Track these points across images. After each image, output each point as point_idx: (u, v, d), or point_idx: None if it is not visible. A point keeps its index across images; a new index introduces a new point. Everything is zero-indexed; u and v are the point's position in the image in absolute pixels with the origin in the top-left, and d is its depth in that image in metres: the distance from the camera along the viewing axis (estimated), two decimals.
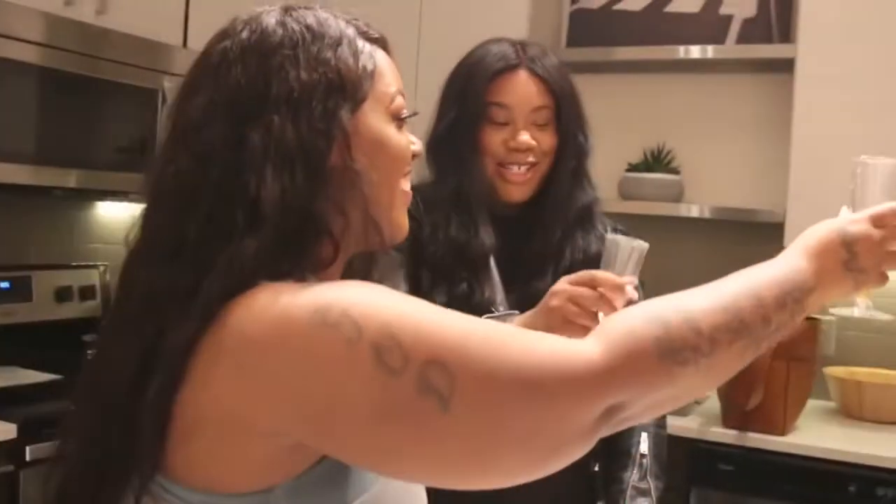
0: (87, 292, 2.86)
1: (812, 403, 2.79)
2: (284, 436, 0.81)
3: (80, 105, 2.46)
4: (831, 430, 2.68)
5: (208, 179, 0.86)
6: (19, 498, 2.06)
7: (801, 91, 2.84)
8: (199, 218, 0.85)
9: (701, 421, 2.66)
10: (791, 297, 0.92)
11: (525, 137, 1.63)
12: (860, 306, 1.21)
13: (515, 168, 1.64)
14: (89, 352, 2.65)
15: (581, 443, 0.81)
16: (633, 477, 1.61)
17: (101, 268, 2.94)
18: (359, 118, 0.91)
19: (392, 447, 0.78)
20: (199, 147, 0.88)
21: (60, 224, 2.96)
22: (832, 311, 1.20)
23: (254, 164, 0.85)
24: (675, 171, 3.23)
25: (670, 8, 3.28)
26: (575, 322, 1.40)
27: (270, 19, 0.92)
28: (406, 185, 0.99)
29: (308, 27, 0.91)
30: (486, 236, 1.62)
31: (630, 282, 1.42)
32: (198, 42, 2.71)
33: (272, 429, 0.81)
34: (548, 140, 1.66)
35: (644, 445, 1.62)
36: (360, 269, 0.98)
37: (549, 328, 1.40)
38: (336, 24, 0.93)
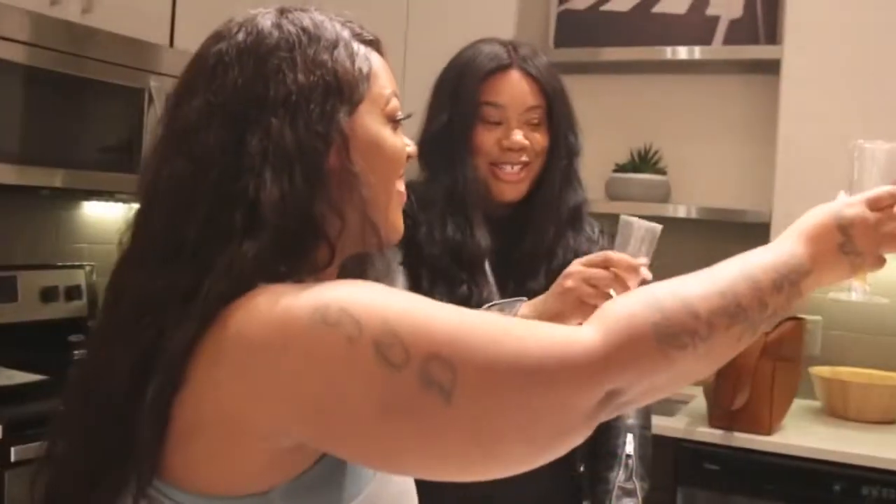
0: (72, 292, 2.85)
1: (798, 403, 2.81)
2: (286, 436, 0.81)
3: (66, 104, 2.45)
4: (816, 430, 2.69)
5: (206, 182, 0.86)
6: (4, 498, 2.05)
7: (786, 92, 2.85)
8: (198, 221, 0.85)
9: (687, 421, 2.67)
10: (787, 280, 0.93)
11: (519, 137, 1.63)
12: (857, 290, 1.21)
13: (509, 168, 1.65)
14: (76, 352, 2.65)
15: (582, 428, 0.83)
16: (619, 477, 1.62)
17: (87, 268, 2.93)
18: (356, 120, 0.92)
19: (396, 442, 0.79)
20: (197, 150, 0.87)
21: (46, 224, 2.95)
22: (830, 295, 1.20)
23: (253, 167, 0.85)
24: (662, 172, 3.24)
25: (657, 9, 3.29)
26: (589, 303, 1.40)
27: (266, 21, 0.92)
28: (401, 185, 1.00)
29: (304, 29, 0.92)
30: (482, 237, 1.63)
31: (644, 263, 1.42)
32: (184, 41, 2.73)
33: (274, 430, 0.81)
34: (540, 140, 1.66)
35: (630, 446, 1.63)
36: (354, 270, 0.98)
37: (563, 310, 1.41)
38: (332, 27, 0.93)
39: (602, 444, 1.67)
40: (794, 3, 2.86)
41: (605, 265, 1.41)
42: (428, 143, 1.67)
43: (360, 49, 0.94)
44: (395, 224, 0.99)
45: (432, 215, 1.63)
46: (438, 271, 1.60)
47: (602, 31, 3.34)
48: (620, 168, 3.24)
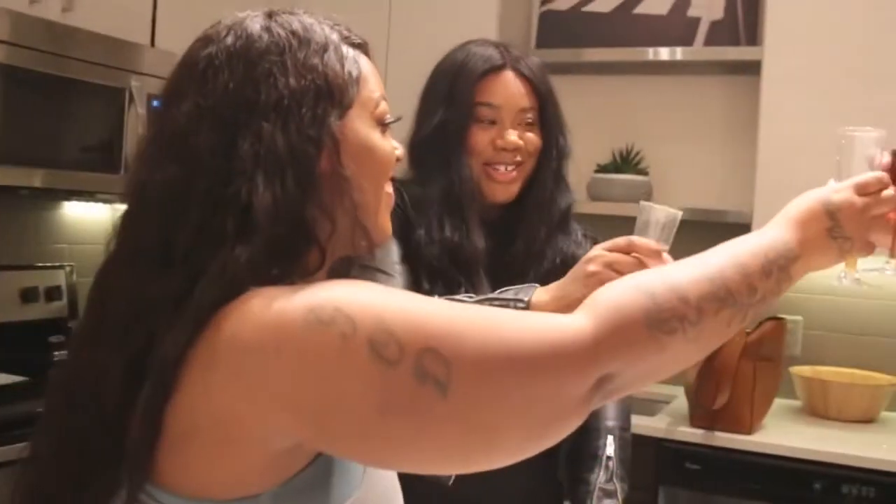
0: (53, 293, 2.83)
1: (778, 402, 2.82)
2: (283, 438, 0.81)
3: (46, 104, 2.43)
4: (797, 429, 2.71)
5: (198, 187, 0.86)
6: None
7: (767, 93, 2.87)
8: (189, 226, 0.85)
9: (669, 421, 2.68)
10: (776, 265, 0.94)
11: (513, 137, 1.64)
12: (848, 276, 1.23)
13: (502, 168, 1.65)
14: (56, 353, 2.63)
15: (576, 413, 0.84)
16: (599, 478, 1.63)
17: (68, 268, 2.91)
18: (346, 124, 0.92)
19: (395, 438, 0.79)
20: (187, 154, 0.87)
21: (26, 224, 2.93)
22: (838, 282, 1.22)
23: (244, 172, 0.85)
24: (644, 172, 3.25)
25: (639, 10, 3.30)
26: None
27: (255, 25, 0.92)
28: (389, 188, 1.00)
29: (294, 33, 0.91)
30: (478, 238, 1.63)
31: (664, 248, 1.43)
32: (166, 41, 2.72)
33: (270, 431, 0.81)
34: (534, 140, 1.67)
35: (610, 448, 1.64)
36: (340, 272, 0.98)
37: (585, 294, 1.40)
38: (321, 30, 0.93)
39: (582, 445, 1.67)
40: (775, 4, 2.88)
41: (628, 250, 1.41)
42: (421, 144, 1.67)
43: (350, 52, 0.95)
44: (384, 227, 0.99)
45: (429, 216, 1.63)
46: (437, 272, 1.60)
47: (584, 31, 3.35)
48: (602, 168, 3.25)
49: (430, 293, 1.57)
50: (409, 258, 1.60)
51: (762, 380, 2.60)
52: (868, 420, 2.82)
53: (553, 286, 1.46)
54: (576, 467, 1.68)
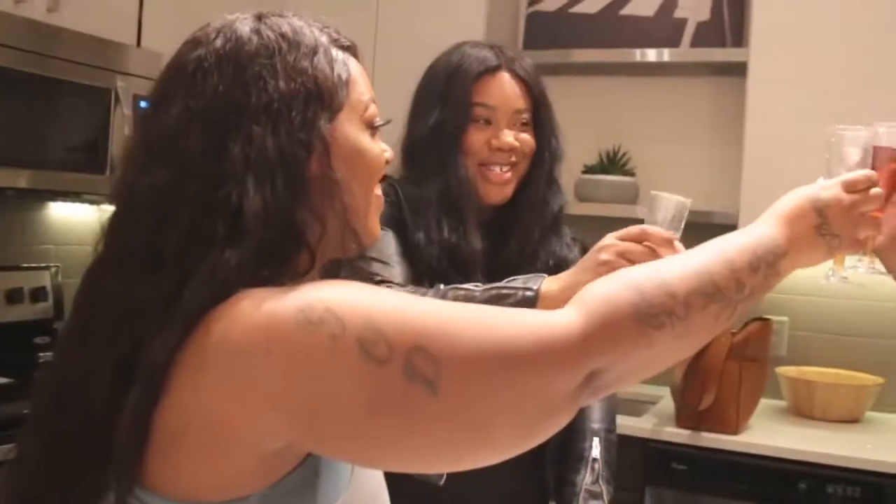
0: (38, 294, 2.82)
1: (764, 403, 2.83)
2: (274, 439, 0.81)
3: (32, 104, 2.42)
4: (783, 429, 2.72)
5: (187, 190, 0.85)
6: None
7: (753, 94, 2.88)
8: (179, 229, 0.85)
9: (655, 421, 2.69)
10: (764, 261, 0.95)
11: (509, 138, 1.64)
12: (836, 274, 1.23)
13: (497, 168, 1.65)
14: (41, 355, 2.61)
15: (566, 409, 0.84)
16: (585, 480, 1.63)
17: (53, 269, 2.90)
18: (336, 127, 0.92)
19: (386, 437, 0.79)
20: (177, 157, 0.87)
21: (11, 225, 2.91)
22: (826, 280, 1.23)
23: (234, 175, 0.85)
24: (631, 173, 3.26)
25: (626, 11, 3.31)
26: None
27: (244, 27, 0.92)
28: (379, 191, 1.00)
29: (283, 35, 0.91)
30: (475, 239, 1.63)
31: (676, 237, 1.43)
32: (152, 41, 2.71)
33: (261, 432, 0.81)
34: (528, 141, 1.68)
35: (596, 450, 1.65)
36: (328, 274, 0.98)
37: None
38: (310, 33, 0.93)
39: (569, 447, 1.68)
40: (760, 6, 2.89)
41: (640, 239, 1.41)
42: (416, 145, 1.67)
43: (339, 55, 0.95)
44: (373, 230, 0.99)
45: (427, 217, 1.62)
46: (436, 273, 1.60)
47: (571, 33, 3.35)
48: (589, 170, 3.25)
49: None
50: (407, 257, 1.60)
51: (748, 380, 2.61)
52: (853, 420, 2.84)
53: (563, 275, 1.46)
54: (562, 469, 1.68)
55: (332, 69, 0.92)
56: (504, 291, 1.43)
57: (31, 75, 2.38)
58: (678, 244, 1.42)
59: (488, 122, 1.65)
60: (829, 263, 1.19)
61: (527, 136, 1.67)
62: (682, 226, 1.45)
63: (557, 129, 1.74)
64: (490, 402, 0.80)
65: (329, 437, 0.81)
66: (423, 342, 0.79)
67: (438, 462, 0.86)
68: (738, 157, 2.91)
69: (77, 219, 3.01)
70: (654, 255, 1.39)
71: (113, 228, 0.91)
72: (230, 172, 0.85)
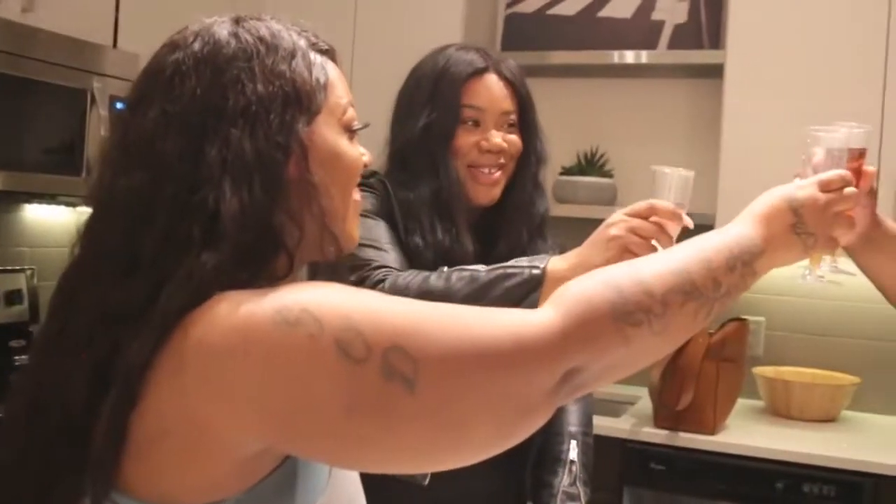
0: (13, 297, 2.79)
1: (741, 403, 2.85)
2: (253, 440, 0.81)
3: (7, 106, 2.40)
4: (760, 429, 2.74)
5: (164, 193, 0.85)
6: None
7: (729, 96, 2.90)
8: (156, 232, 0.85)
9: (633, 421, 2.70)
10: (740, 260, 0.96)
11: (498, 139, 1.65)
12: (812, 273, 1.24)
13: (486, 170, 1.66)
14: (17, 358, 2.58)
15: (544, 408, 0.84)
16: (563, 482, 1.64)
17: (29, 272, 2.87)
18: (314, 130, 0.91)
19: (365, 437, 0.79)
20: (154, 160, 0.87)
21: None
22: (802, 279, 1.24)
23: (212, 178, 0.85)
24: (609, 175, 3.27)
25: (603, 13, 3.32)
26: (632, 252, 1.39)
27: (222, 31, 0.91)
28: (357, 195, 1.00)
29: (261, 39, 0.91)
30: (468, 241, 1.63)
31: (682, 210, 1.43)
32: (128, 42, 2.69)
33: (240, 434, 0.81)
34: (515, 142, 1.68)
35: (574, 452, 1.65)
36: (307, 277, 0.98)
37: (607, 259, 1.40)
38: (288, 36, 0.93)
39: (546, 449, 1.68)
40: (737, 9, 2.91)
41: (649, 214, 1.42)
42: (406, 148, 1.66)
43: (317, 59, 0.95)
44: (352, 234, 0.99)
45: (421, 220, 1.62)
46: None
47: (549, 34, 3.36)
48: (567, 171, 3.26)
49: None
50: (406, 256, 1.59)
51: (725, 380, 2.63)
52: (829, 419, 2.86)
53: (571, 254, 1.46)
54: (540, 471, 1.69)
55: (311, 73, 0.92)
56: (510, 270, 1.43)
57: (6, 76, 2.36)
58: (686, 217, 1.43)
59: (476, 123, 1.65)
60: (805, 262, 1.21)
61: (514, 138, 1.68)
62: (689, 197, 1.45)
63: (542, 131, 1.74)
64: (468, 401, 0.80)
65: (308, 438, 0.81)
66: (401, 341, 0.79)
67: (417, 462, 0.86)
68: (715, 158, 2.93)
69: (53, 221, 2.98)
70: (662, 231, 1.40)
71: (89, 231, 0.91)
72: (207, 175, 0.85)
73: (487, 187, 1.66)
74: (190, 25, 0.94)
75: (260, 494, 0.84)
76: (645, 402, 2.82)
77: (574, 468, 1.65)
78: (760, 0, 2.88)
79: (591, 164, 3.27)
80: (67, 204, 2.86)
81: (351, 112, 0.97)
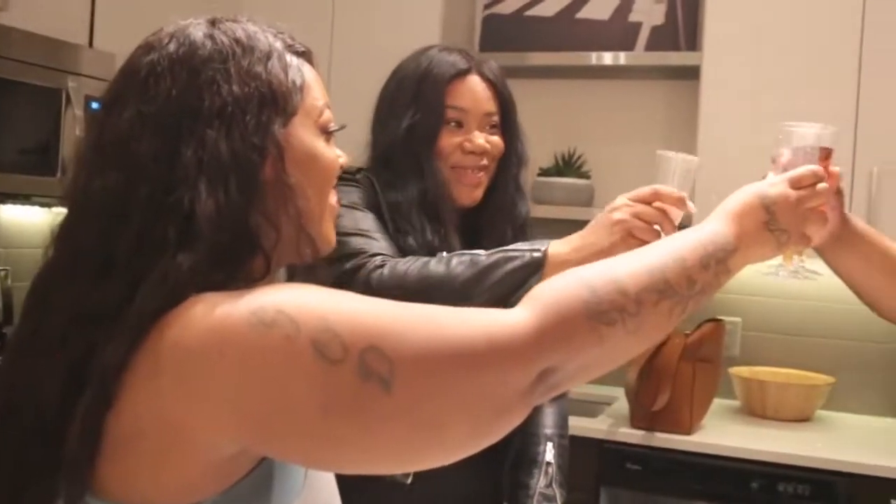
0: None
1: (717, 403, 2.86)
2: (229, 442, 0.81)
3: None
4: (735, 429, 2.76)
5: (139, 194, 0.85)
6: None
7: (706, 97, 2.92)
8: (130, 233, 0.84)
9: (610, 422, 2.70)
10: (714, 258, 0.97)
11: (481, 140, 1.65)
12: (784, 269, 1.25)
13: (470, 171, 1.66)
14: None
15: (519, 407, 0.84)
16: (539, 483, 1.64)
17: (2, 273, 2.85)
18: (290, 132, 0.91)
19: (341, 438, 0.79)
20: (129, 161, 0.86)
21: None
22: (775, 276, 1.25)
23: (187, 179, 0.85)
24: (586, 176, 3.28)
25: (581, 14, 3.33)
26: (636, 237, 1.40)
27: (198, 32, 0.91)
28: (333, 198, 1.00)
29: (237, 40, 0.91)
30: (455, 241, 1.63)
31: (685, 195, 1.43)
32: (104, 42, 2.67)
33: (216, 436, 0.80)
34: (498, 144, 1.69)
35: (550, 454, 1.66)
36: (285, 279, 0.98)
37: (611, 243, 1.41)
38: (265, 38, 0.93)
39: (523, 451, 1.69)
40: (714, 11, 2.92)
41: (653, 199, 1.42)
42: (390, 149, 1.66)
43: (293, 61, 0.94)
44: (328, 236, 0.99)
45: (410, 221, 1.62)
46: None
47: (527, 36, 3.37)
48: (544, 172, 3.27)
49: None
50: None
51: (701, 381, 2.64)
52: (804, 419, 2.88)
53: (573, 237, 1.46)
54: (516, 472, 1.69)
55: (287, 74, 0.92)
56: (511, 254, 1.44)
57: None
58: (689, 203, 1.43)
59: (459, 124, 1.66)
60: (778, 260, 1.22)
61: (497, 139, 1.68)
62: (692, 183, 1.46)
63: (523, 133, 1.75)
64: (443, 401, 0.80)
65: (284, 439, 0.81)
66: (377, 342, 0.79)
67: (393, 462, 0.86)
68: None
69: (27, 221, 2.96)
70: (665, 217, 1.41)
71: (64, 232, 0.90)
72: (182, 176, 0.85)
73: (470, 188, 1.67)
74: (165, 27, 0.93)
75: (236, 496, 0.84)
76: (621, 403, 2.83)
77: (550, 470, 1.66)
78: (737, 2, 2.90)
79: (568, 165, 3.28)
80: (42, 204, 2.84)
81: (327, 114, 0.97)
